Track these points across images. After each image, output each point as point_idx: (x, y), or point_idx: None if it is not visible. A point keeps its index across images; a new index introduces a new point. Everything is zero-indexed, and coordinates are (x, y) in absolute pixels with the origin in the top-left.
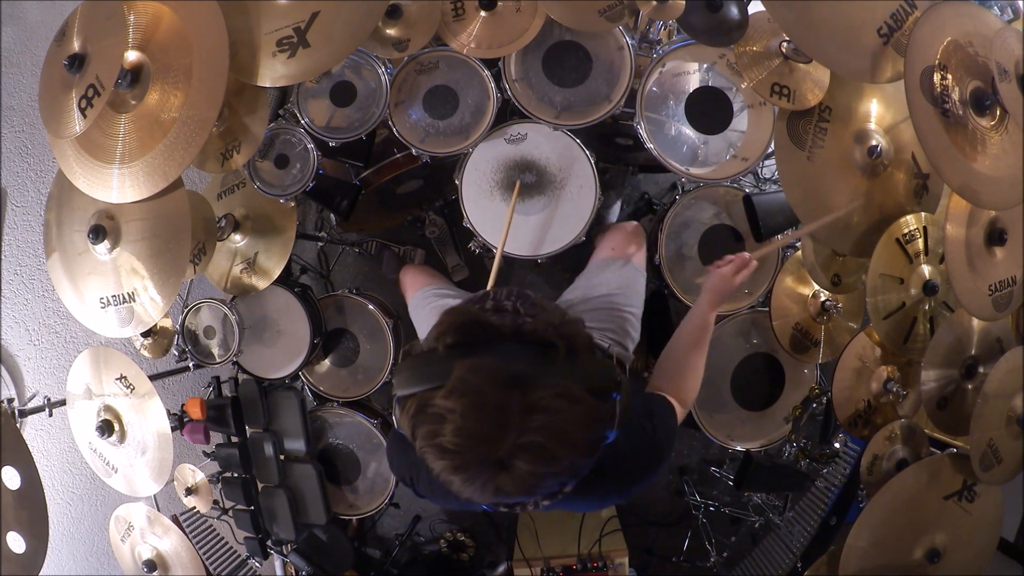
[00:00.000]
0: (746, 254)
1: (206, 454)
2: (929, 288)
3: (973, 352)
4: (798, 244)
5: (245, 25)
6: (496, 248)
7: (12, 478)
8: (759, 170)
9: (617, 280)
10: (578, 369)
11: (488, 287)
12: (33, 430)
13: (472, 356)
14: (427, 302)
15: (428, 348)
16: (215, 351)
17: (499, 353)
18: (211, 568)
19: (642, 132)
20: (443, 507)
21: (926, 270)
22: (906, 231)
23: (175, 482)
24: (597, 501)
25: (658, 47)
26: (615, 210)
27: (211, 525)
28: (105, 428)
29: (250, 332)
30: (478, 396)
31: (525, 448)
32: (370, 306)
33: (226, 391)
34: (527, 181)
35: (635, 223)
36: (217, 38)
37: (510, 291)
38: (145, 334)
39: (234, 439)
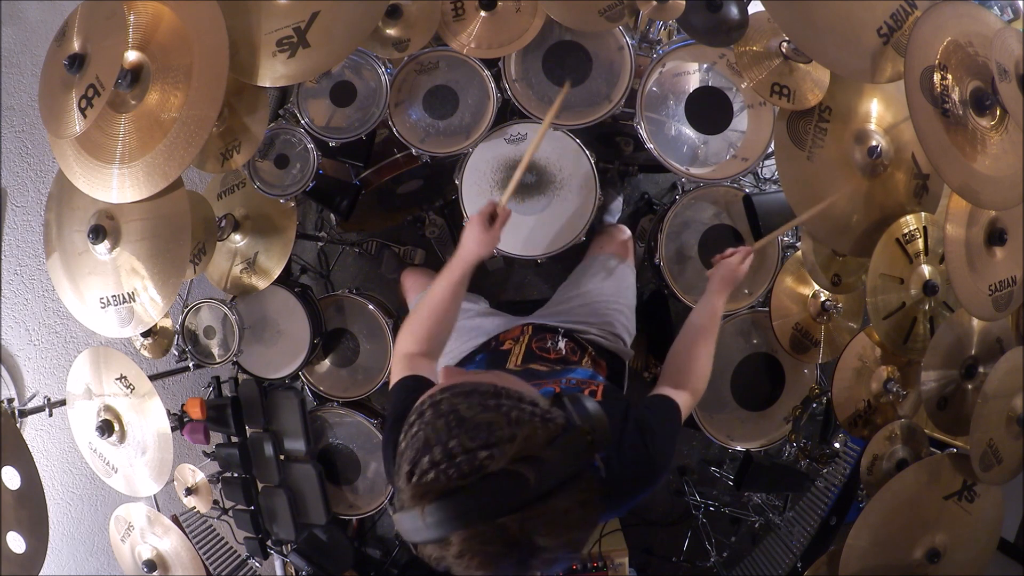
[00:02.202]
0: (745, 248)
1: (206, 454)
2: (929, 288)
3: (973, 352)
4: (798, 244)
5: (245, 25)
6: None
7: (12, 478)
8: (759, 170)
9: (609, 279)
10: (551, 474)
11: (501, 203)
12: (33, 430)
13: (458, 525)
14: None
15: (413, 517)
16: (215, 351)
17: (479, 511)
18: (211, 568)
19: (642, 132)
20: None
21: (926, 270)
22: (906, 231)
23: (175, 482)
24: None
25: (658, 47)
26: (616, 210)
27: (211, 525)
28: (105, 428)
29: (250, 332)
30: (485, 554)
31: (545, 560)
32: (370, 306)
33: (226, 391)
34: (527, 181)
35: (627, 232)
36: (217, 38)
37: (448, 417)
38: (145, 334)
39: (234, 439)
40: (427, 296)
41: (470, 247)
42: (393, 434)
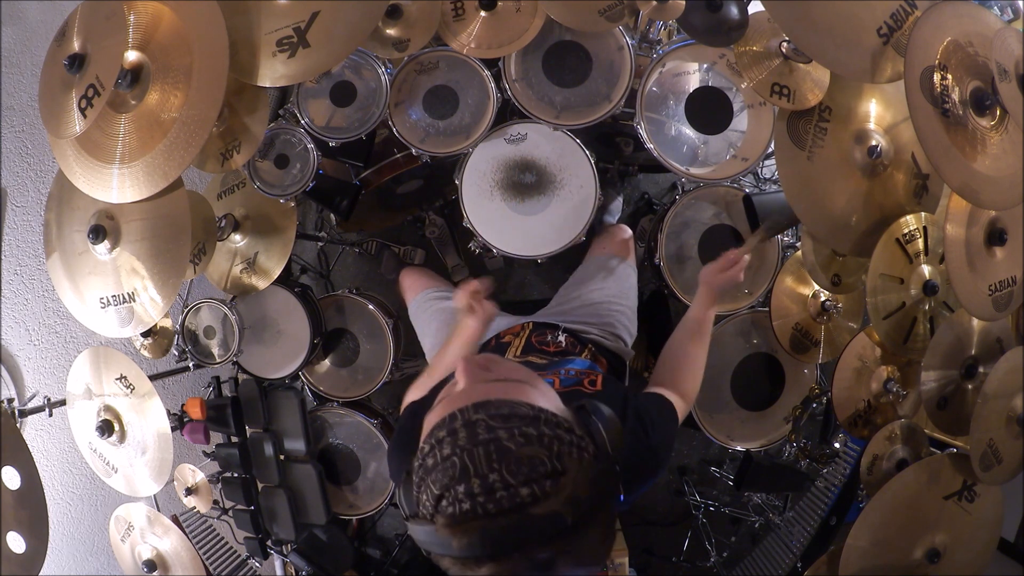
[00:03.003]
0: (734, 251)
1: (206, 454)
2: (929, 288)
3: (973, 352)
4: (798, 244)
5: (245, 25)
6: (497, 249)
7: (12, 478)
8: (759, 170)
9: (611, 279)
10: (588, 511)
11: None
12: (33, 430)
13: (493, 558)
14: (428, 305)
15: (440, 543)
16: (215, 351)
17: (515, 545)
18: (211, 568)
19: (642, 132)
20: None
21: (926, 270)
22: (906, 231)
23: (175, 482)
24: None
25: (658, 47)
26: (616, 210)
27: (211, 525)
28: (105, 428)
29: (250, 332)
30: None
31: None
32: (370, 306)
33: (226, 391)
34: (527, 181)
35: (628, 231)
36: (217, 38)
37: (487, 447)
38: (145, 334)
39: (234, 439)
40: (442, 359)
41: (470, 328)
42: (402, 449)
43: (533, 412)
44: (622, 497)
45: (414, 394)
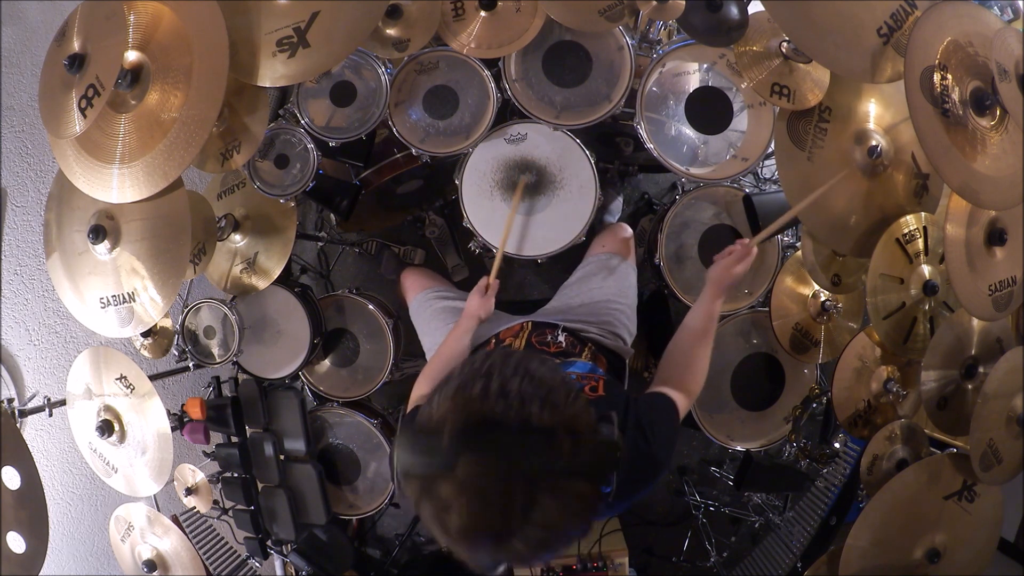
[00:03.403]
0: (744, 241)
1: (206, 454)
2: (929, 288)
3: (973, 352)
4: (798, 244)
5: (245, 25)
6: (496, 248)
7: (12, 478)
8: (759, 170)
9: (611, 279)
10: (580, 457)
11: (489, 279)
12: (33, 430)
13: (477, 451)
14: (428, 305)
15: (431, 429)
16: (215, 351)
17: (504, 449)
18: (211, 568)
19: (642, 132)
20: None
21: (926, 270)
22: (906, 231)
23: (175, 482)
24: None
25: (658, 47)
26: (615, 210)
27: (211, 525)
28: (105, 428)
29: (250, 332)
30: (483, 494)
31: (526, 537)
32: (370, 306)
33: (226, 391)
34: (527, 181)
35: (628, 230)
36: (217, 38)
37: (515, 366)
38: (145, 334)
39: (234, 439)
40: (442, 347)
41: (471, 310)
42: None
43: (563, 372)
44: (608, 489)
45: (423, 388)
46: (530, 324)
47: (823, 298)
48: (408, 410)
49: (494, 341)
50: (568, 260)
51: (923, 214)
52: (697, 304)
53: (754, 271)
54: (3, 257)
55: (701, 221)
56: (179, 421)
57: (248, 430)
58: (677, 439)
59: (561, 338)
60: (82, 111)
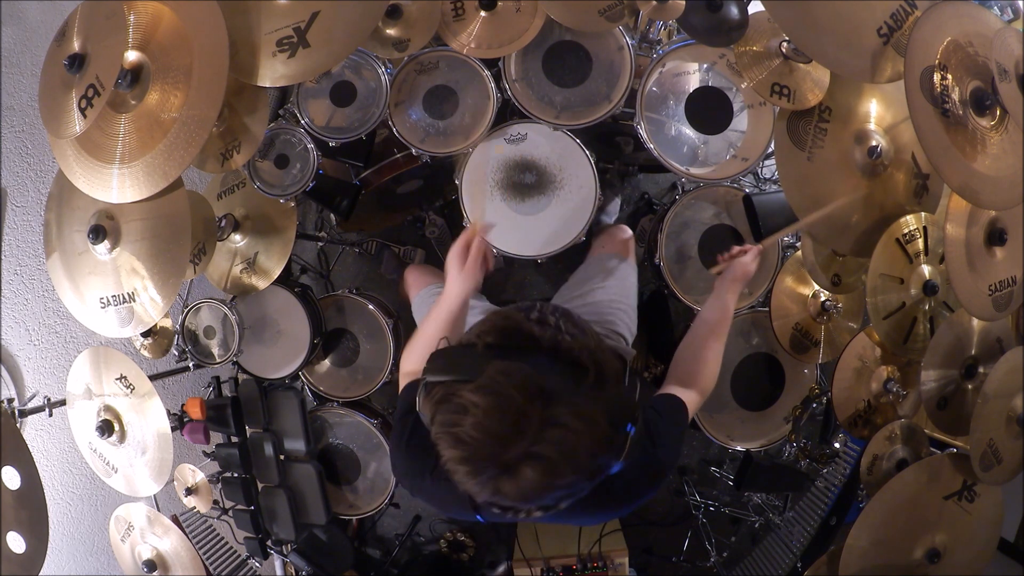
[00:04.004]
0: (755, 246)
1: (206, 454)
2: (929, 288)
3: (973, 352)
4: (798, 244)
5: (245, 25)
6: (497, 249)
7: (12, 478)
8: (759, 170)
9: (611, 279)
10: (602, 397)
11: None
12: (33, 430)
13: (506, 358)
14: (430, 301)
15: (467, 342)
16: (215, 351)
17: (533, 363)
18: (211, 568)
19: (642, 132)
20: (440, 513)
21: (926, 270)
22: (906, 231)
23: (175, 482)
24: (591, 517)
25: (658, 47)
26: (613, 211)
27: (211, 525)
28: (105, 428)
29: (250, 332)
30: (503, 398)
31: (534, 457)
32: (370, 306)
33: (226, 391)
34: (527, 181)
35: (628, 231)
36: (217, 38)
37: (555, 308)
38: (145, 334)
39: (234, 439)
40: (421, 330)
41: (450, 289)
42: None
43: None
44: (617, 466)
45: (411, 363)
46: None
47: (823, 298)
48: (403, 386)
49: None
50: (568, 260)
51: (923, 214)
52: (712, 298)
53: (755, 272)
54: (3, 257)
55: (701, 221)
56: (179, 421)
57: (248, 430)
58: (682, 445)
59: None
60: (82, 111)
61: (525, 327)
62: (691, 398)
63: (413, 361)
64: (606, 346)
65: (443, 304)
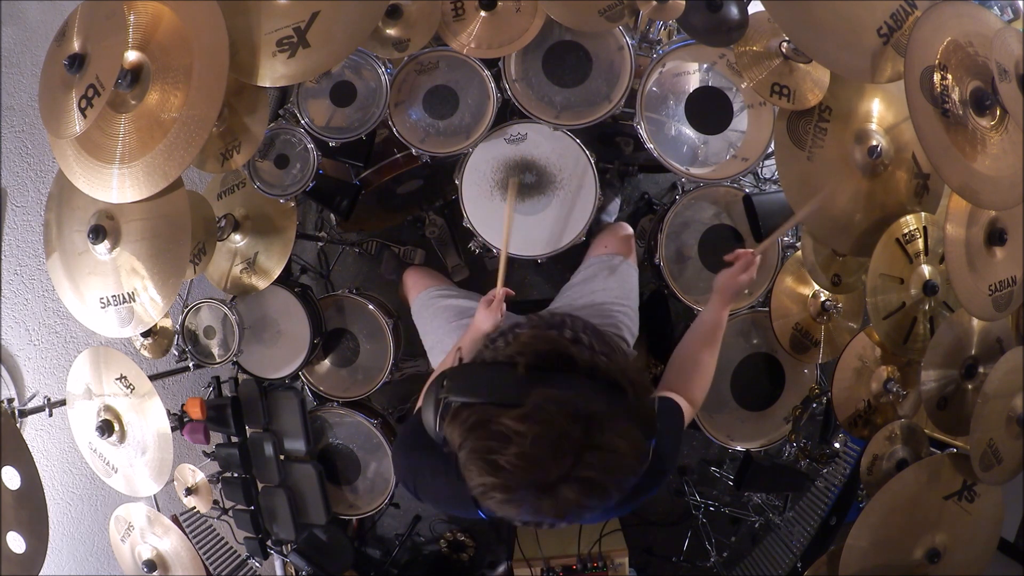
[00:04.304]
0: (748, 251)
1: (206, 454)
2: (929, 288)
3: (973, 352)
4: (798, 244)
5: (245, 25)
6: (498, 249)
7: (12, 478)
8: (759, 170)
9: (612, 279)
10: (638, 411)
11: (498, 288)
12: (33, 430)
13: (551, 385)
14: (431, 304)
15: (503, 360)
16: (215, 351)
17: (576, 388)
18: (211, 568)
19: (642, 132)
20: (440, 512)
21: (926, 270)
22: (906, 231)
23: (175, 482)
24: (595, 516)
25: (658, 47)
26: (613, 211)
27: (211, 525)
28: (105, 428)
29: (250, 332)
30: (552, 427)
31: (579, 481)
32: (370, 306)
33: (226, 391)
34: (527, 181)
35: (628, 229)
36: (217, 38)
37: (585, 324)
38: (145, 334)
39: (234, 439)
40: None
41: (477, 324)
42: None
43: None
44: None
45: None
46: None
47: (823, 298)
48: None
49: None
50: (568, 260)
51: (923, 214)
52: (704, 312)
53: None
54: (3, 257)
55: (701, 221)
56: (179, 421)
57: (248, 430)
58: (680, 445)
59: None
60: (82, 111)
61: (564, 349)
62: (684, 407)
63: None
64: (632, 363)
65: (471, 333)
